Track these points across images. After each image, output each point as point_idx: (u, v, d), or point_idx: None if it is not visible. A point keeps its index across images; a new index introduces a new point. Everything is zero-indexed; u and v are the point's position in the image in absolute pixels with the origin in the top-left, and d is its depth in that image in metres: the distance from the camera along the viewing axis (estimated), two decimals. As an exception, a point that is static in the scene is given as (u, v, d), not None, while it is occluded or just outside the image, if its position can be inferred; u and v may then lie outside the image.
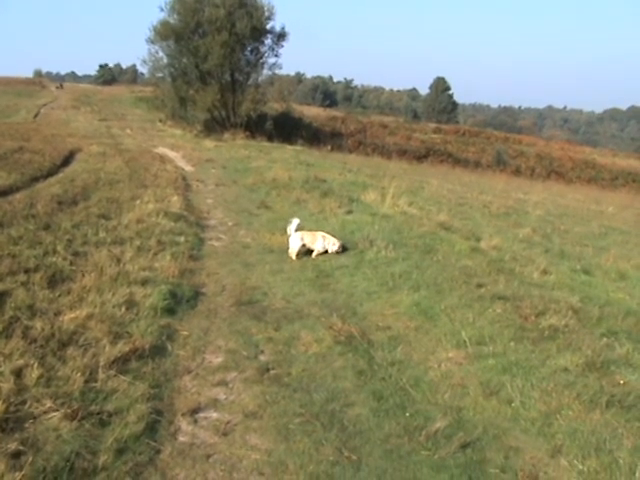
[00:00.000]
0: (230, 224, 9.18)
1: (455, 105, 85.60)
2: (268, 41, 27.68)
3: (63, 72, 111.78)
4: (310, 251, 7.51)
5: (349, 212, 10.04)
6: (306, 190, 11.78)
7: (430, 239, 8.27)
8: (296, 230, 7.41)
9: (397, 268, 6.75)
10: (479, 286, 6.26)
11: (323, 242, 7.47)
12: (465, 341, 4.84)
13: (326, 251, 7.48)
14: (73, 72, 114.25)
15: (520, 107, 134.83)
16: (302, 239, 7.41)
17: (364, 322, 5.35)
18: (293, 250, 7.34)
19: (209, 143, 22.29)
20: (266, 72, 28.87)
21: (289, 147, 24.37)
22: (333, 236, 7.59)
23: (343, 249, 7.52)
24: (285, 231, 7.73)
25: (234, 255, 7.38)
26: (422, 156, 33.78)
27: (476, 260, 7.37)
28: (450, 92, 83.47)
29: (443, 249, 7.71)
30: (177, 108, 27.92)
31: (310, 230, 7.68)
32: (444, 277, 6.47)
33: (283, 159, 17.80)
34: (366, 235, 7.96)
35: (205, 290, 5.99)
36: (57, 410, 3.44)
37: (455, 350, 4.77)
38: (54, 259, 6.00)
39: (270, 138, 26.14)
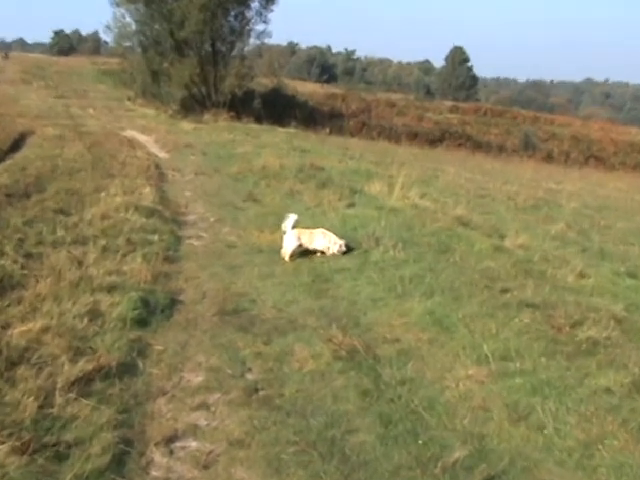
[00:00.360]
0: (212, 220, 9.17)
1: (475, 80, 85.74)
2: (255, 4, 27.70)
3: (9, 39, 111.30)
4: (307, 252, 7.50)
5: (351, 205, 10.03)
6: (300, 180, 11.76)
7: (446, 237, 8.27)
8: (293, 227, 7.41)
9: (407, 271, 6.74)
10: (503, 291, 6.26)
11: (323, 241, 7.47)
12: (487, 356, 4.84)
13: (327, 251, 7.48)
14: (22, 39, 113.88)
15: (552, 81, 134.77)
16: (299, 238, 7.40)
17: (369, 334, 5.34)
18: (287, 250, 7.33)
19: (187, 125, 22.24)
20: (253, 41, 28.93)
21: (281, 130, 24.35)
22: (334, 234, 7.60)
23: (347, 249, 7.53)
24: (277, 228, 7.71)
25: (217, 256, 7.37)
26: (436, 140, 33.81)
27: (500, 261, 7.37)
28: (469, 64, 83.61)
29: (461, 248, 7.71)
30: (148, 84, 27.86)
31: (306, 227, 7.66)
32: (462, 281, 6.46)
33: (274, 144, 17.77)
34: (371, 232, 7.96)
35: (183, 297, 5.98)
36: (3, 442, 3.39)
37: (476, 366, 4.76)
38: (2, 262, 5.95)
39: (258, 119, 26.11)
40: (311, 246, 7.51)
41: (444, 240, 8.10)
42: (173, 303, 5.77)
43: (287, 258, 7.30)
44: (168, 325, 5.32)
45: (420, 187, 12.04)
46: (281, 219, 7.61)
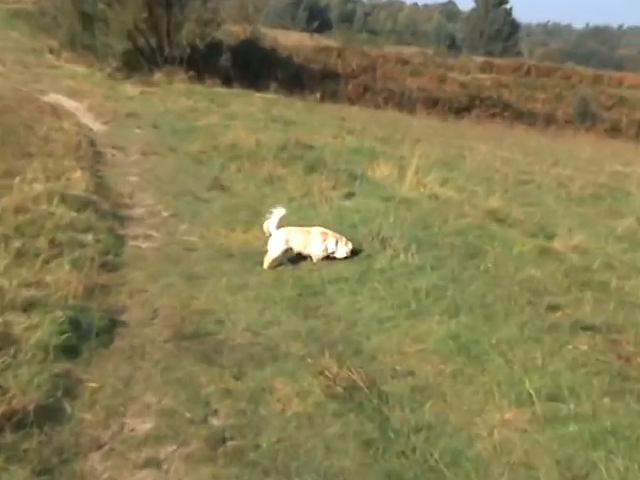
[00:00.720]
0: (165, 215, 9.16)
1: (515, 27, 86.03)
2: None
3: None
4: (298, 257, 7.53)
5: (349, 196, 10.08)
6: (283, 162, 11.79)
7: (475, 236, 8.31)
8: (278, 226, 7.40)
9: (423, 281, 6.77)
10: (552, 309, 6.29)
11: (324, 243, 7.47)
12: (530, 395, 4.85)
13: (329, 256, 7.50)
14: None
15: (621, 27, 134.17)
16: (287, 241, 7.39)
17: (373, 365, 5.35)
18: (270, 256, 7.33)
19: (131, 88, 22.18)
20: (219, -24, 28.84)
21: (257, 95, 24.35)
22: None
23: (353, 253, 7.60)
24: (251, 225, 7.71)
25: (172, 262, 7.36)
26: (463, 108, 34.00)
27: (547, 268, 7.40)
28: (508, 6, 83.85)
29: (495, 252, 7.74)
30: (78, 32, 27.63)
31: (288, 223, 7.65)
32: (497, 295, 6.49)
33: (247, 114, 17.77)
34: (376, 231, 7.99)
35: (126, 317, 5.97)
36: None
37: (515, 409, 4.77)
38: None
39: (227, 81, 26.09)
40: (306, 250, 7.52)
41: (473, 241, 8.13)
42: (113, 325, 5.75)
43: (266, 266, 7.29)
44: (106, 354, 5.29)
45: (441, 171, 12.08)
46: (256, 213, 7.62)
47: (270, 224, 7.40)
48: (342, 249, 7.49)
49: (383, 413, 4.68)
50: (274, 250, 7.35)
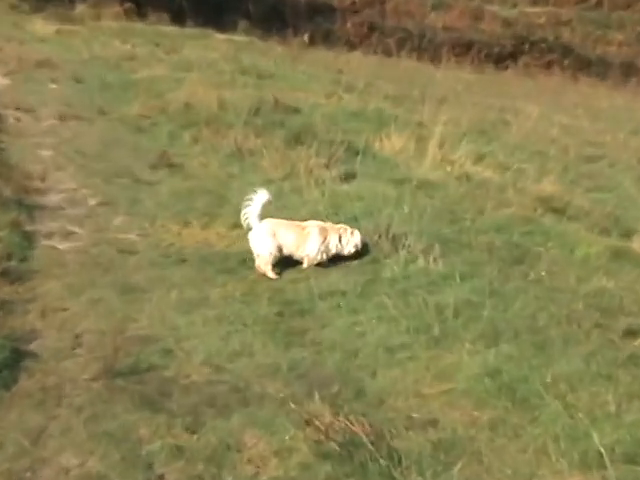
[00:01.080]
0: (93, 203, 9.15)
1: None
2: None
3: None
4: (278, 262, 7.56)
5: (348, 177, 10.14)
6: (256, 130, 11.84)
7: (522, 233, 8.34)
8: (261, 216, 7.38)
9: (450, 295, 6.78)
10: (630, 334, 6.30)
11: (324, 243, 7.52)
12: (601, 453, 4.84)
13: (336, 256, 7.59)
14: None
15: None
16: (274, 234, 7.39)
17: (380, 411, 5.35)
18: (263, 258, 7.34)
19: (43, 26, 22.13)
20: None
21: (220, 37, 24.36)
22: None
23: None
24: (212, 218, 7.70)
25: (101, 270, 7.36)
26: (506, 55, 34.04)
27: (623, 278, 7.40)
28: None
29: (550, 254, 7.75)
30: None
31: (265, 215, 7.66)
32: (552, 315, 6.50)
33: (207, 63, 17.76)
34: (385, 226, 8.02)
35: (37, 347, 5.95)
36: None
37: (579, 473, 4.77)
38: None
39: (178, 17, 26.09)
40: (299, 252, 7.55)
41: (519, 240, 8.14)
42: (18, 358, 5.73)
43: (271, 274, 7.32)
44: (8, 399, 5.27)
45: (475, 142, 12.11)
46: (220, 200, 7.59)
47: (250, 214, 7.39)
48: (349, 243, 7.54)
49: (395, 479, 4.67)
50: (264, 249, 7.35)
